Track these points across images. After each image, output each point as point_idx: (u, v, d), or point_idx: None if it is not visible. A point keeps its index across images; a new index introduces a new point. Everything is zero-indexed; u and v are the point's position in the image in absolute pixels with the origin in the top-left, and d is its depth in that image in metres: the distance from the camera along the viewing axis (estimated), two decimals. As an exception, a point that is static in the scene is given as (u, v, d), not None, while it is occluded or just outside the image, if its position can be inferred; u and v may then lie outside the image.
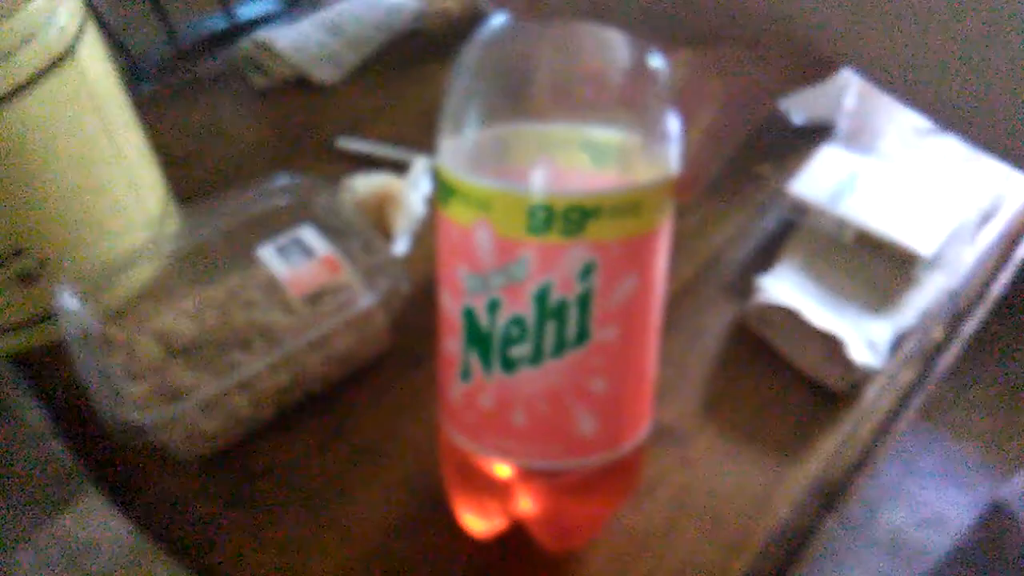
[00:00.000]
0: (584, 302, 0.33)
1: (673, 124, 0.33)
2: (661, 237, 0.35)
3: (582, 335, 0.34)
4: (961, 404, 1.39)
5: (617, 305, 0.34)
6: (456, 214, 0.34)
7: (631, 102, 0.33)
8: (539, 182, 0.33)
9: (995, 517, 0.67)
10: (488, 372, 0.35)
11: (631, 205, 0.32)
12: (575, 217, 0.31)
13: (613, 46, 0.32)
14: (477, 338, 0.35)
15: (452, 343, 0.37)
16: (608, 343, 0.35)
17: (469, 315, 0.35)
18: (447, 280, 0.36)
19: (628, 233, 0.33)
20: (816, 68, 0.28)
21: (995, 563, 0.65)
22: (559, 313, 0.33)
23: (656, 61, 0.33)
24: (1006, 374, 1.43)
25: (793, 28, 0.23)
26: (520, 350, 0.34)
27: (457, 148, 0.34)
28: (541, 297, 0.33)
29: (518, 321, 0.34)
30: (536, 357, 0.34)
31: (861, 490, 0.51)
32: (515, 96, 0.34)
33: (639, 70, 0.32)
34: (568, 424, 0.36)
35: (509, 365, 0.35)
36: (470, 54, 0.34)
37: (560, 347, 0.34)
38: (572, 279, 0.33)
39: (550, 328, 0.34)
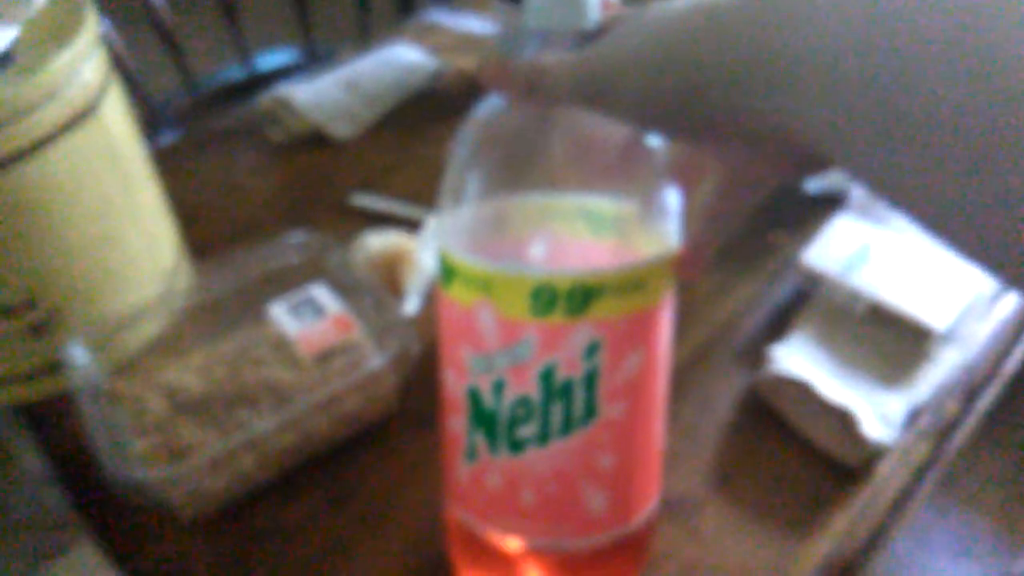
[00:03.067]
0: (590, 380, 0.33)
1: (672, 200, 0.34)
2: (664, 311, 0.35)
3: (589, 413, 0.34)
4: (974, 476, 1.37)
5: (623, 382, 0.34)
6: (458, 295, 0.34)
7: (629, 173, 0.34)
8: (540, 262, 0.33)
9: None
10: (494, 452, 0.35)
11: (634, 282, 0.32)
12: (578, 297, 0.32)
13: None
14: (482, 418, 0.35)
15: (456, 422, 0.37)
16: (616, 420, 0.35)
17: (474, 395, 0.35)
18: (450, 360, 0.36)
19: (632, 310, 0.33)
20: (813, 164, 0.29)
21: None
22: (565, 392, 0.33)
23: (654, 137, 0.33)
24: (1019, 445, 1.41)
25: (790, 132, 0.24)
26: (527, 430, 0.34)
27: (457, 224, 0.34)
28: (547, 377, 0.33)
29: (524, 401, 0.34)
30: (543, 437, 0.34)
31: (875, 566, 0.51)
32: (513, 168, 0.34)
33: (637, 142, 0.33)
34: (577, 502, 0.36)
35: (516, 445, 0.35)
36: (468, 129, 0.34)
37: (567, 426, 0.34)
38: (577, 358, 0.33)
39: (557, 407, 0.33)
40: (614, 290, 0.32)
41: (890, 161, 0.21)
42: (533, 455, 0.35)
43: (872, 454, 0.51)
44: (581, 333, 0.32)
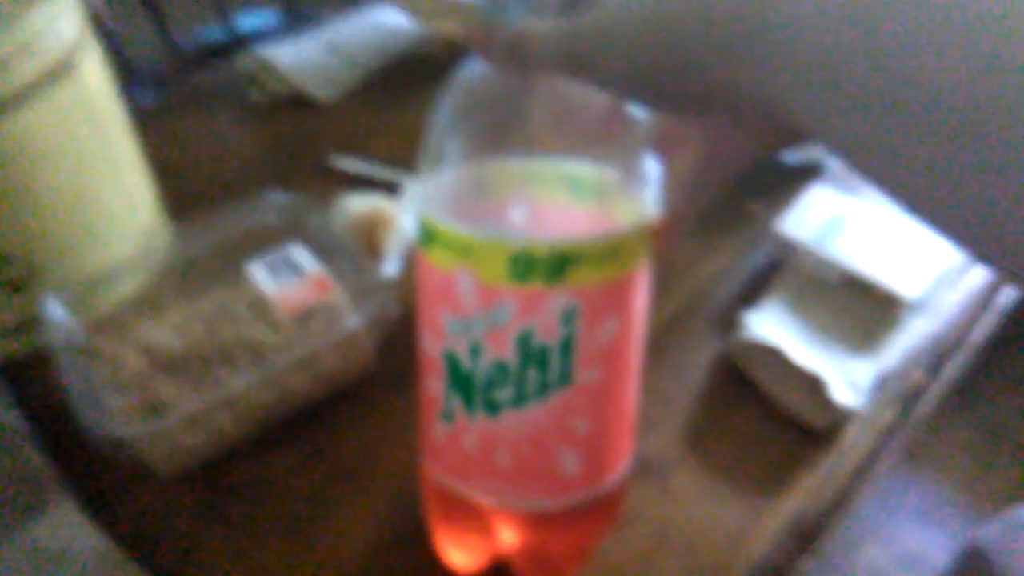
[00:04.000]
0: (566, 346, 0.33)
1: (651, 168, 0.33)
2: (641, 279, 0.35)
3: (565, 378, 0.34)
4: (941, 444, 1.40)
5: (599, 348, 0.34)
6: (437, 259, 0.34)
7: (609, 140, 0.33)
8: (520, 227, 0.33)
9: (970, 561, 0.67)
10: (471, 414, 0.35)
11: (611, 250, 0.32)
12: (556, 264, 0.31)
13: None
14: (459, 381, 0.35)
15: (434, 384, 0.37)
16: (590, 384, 0.35)
17: (451, 358, 0.35)
18: (428, 323, 0.36)
19: (609, 277, 0.33)
20: (793, 136, 0.29)
21: (970, 607, 0.65)
22: (541, 357, 0.33)
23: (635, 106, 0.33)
24: (985, 416, 1.44)
25: (770, 104, 0.24)
26: (503, 393, 0.34)
27: (437, 188, 0.34)
28: (523, 342, 0.33)
29: (501, 365, 0.34)
30: (519, 400, 0.34)
31: (839, 528, 0.52)
32: (494, 132, 0.33)
33: (618, 109, 0.33)
34: (552, 464, 0.36)
35: (492, 408, 0.35)
36: (450, 93, 0.34)
37: (543, 390, 0.34)
38: (554, 324, 0.33)
39: (533, 372, 0.34)
40: (592, 258, 0.32)
41: (864, 133, 0.21)
42: (509, 418, 0.35)
43: (840, 419, 0.52)
44: (558, 300, 0.32)
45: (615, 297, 0.34)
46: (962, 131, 0.18)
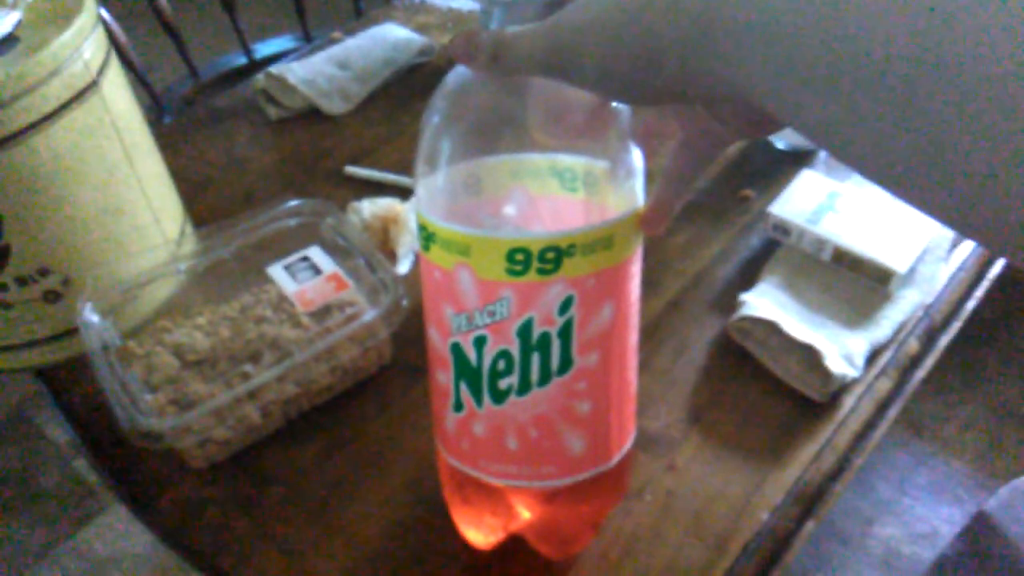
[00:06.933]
0: (565, 333, 0.34)
1: (637, 160, 0.33)
2: (633, 265, 0.35)
3: (565, 363, 0.34)
4: (953, 422, 1.38)
5: (596, 332, 0.34)
6: (438, 258, 0.34)
7: (596, 134, 0.33)
8: (514, 221, 0.33)
9: (979, 527, 0.67)
10: (479, 403, 0.36)
11: (603, 240, 0.32)
12: (551, 257, 0.32)
13: None
14: (466, 372, 0.35)
15: (443, 376, 0.37)
16: (590, 368, 0.35)
17: (457, 350, 0.35)
18: (434, 318, 0.36)
19: (602, 266, 0.33)
20: (767, 123, 0.29)
21: (978, 573, 0.65)
22: (542, 345, 0.34)
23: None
24: (996, 393, 1.42)
25: (740, 91, 0.24)
26: (508, 381, 0.35)
27: (434, 190, 0.34)
28: (524, 332, 0.33)
29: (504, 355, 0.34)
30: (523, 387, 0.35)
31: (853, 505, 0.52)
32: (484, 132, 0.34)
33: (603, 104, 0.33)
34: (558, 446, 0.37)
35: (498, 396, 0.35)
36: (440, 97, 0.34)
37: (546, 376, 0.34)
38: (552, 313, 0.33)
39: (535, 359, 0.34)
40: (584, 249, 0.32)
41: (828, 111, 0.20)
42: (515, 404, 0.35)
43: (836, 388, 0.52)
44: (555, 290, 0.33)
45: (609, 284, 0.34)
46: (910, 104, 0.18)
